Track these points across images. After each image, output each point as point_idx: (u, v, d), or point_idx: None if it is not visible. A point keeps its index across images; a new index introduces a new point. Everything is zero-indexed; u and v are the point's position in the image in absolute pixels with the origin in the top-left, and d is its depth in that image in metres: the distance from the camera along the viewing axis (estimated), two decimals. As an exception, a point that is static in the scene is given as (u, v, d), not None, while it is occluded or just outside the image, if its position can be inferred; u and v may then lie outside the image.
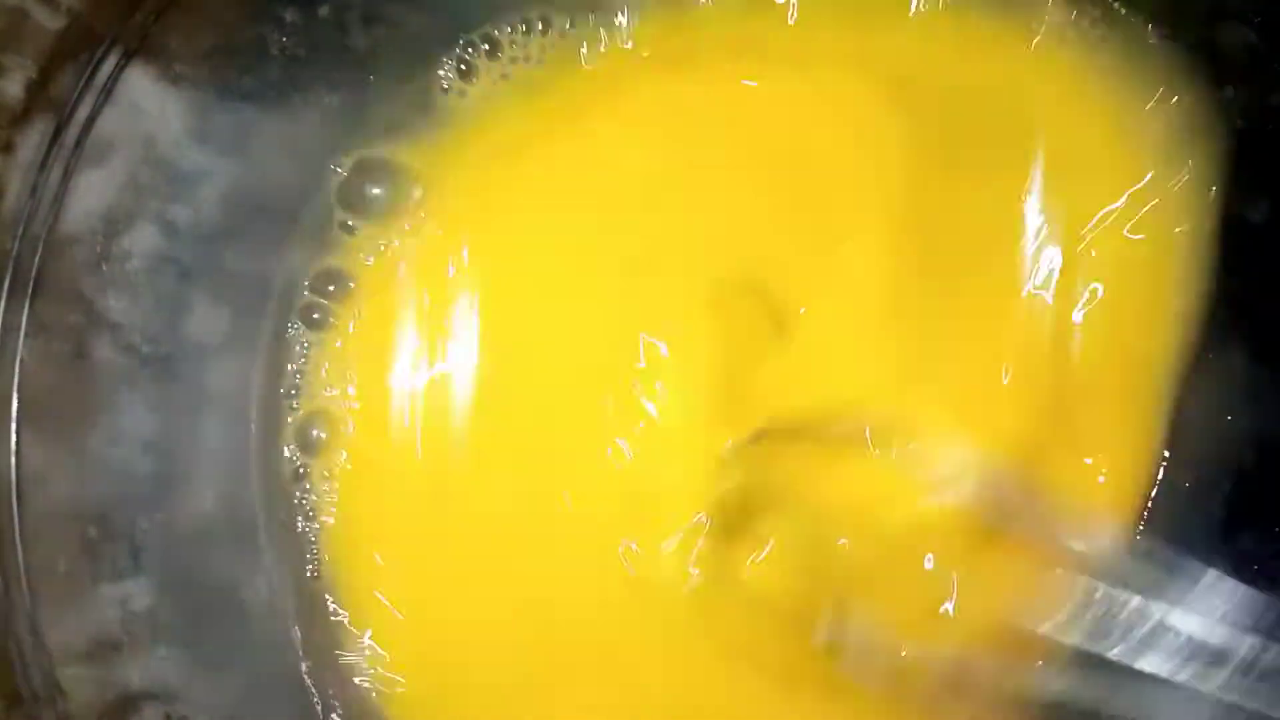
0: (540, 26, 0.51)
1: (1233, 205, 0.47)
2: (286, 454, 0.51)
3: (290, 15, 0.46)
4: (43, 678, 0.39)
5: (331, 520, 0.51)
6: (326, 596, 0.51)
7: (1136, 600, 0.42)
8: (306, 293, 0.52)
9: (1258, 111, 0.46)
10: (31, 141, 0.39)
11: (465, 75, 0.51)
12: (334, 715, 0.50)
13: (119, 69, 0.41)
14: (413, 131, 0.51)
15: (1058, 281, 0.48)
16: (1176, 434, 0.50)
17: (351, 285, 0.52)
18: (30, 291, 0.40)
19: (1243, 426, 0.48)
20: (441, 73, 0.51)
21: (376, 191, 0.51)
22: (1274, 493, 0.47)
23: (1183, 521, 0.49)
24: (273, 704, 0.50)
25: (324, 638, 0.51)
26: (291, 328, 0.52)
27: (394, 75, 0.51)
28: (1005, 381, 0.48)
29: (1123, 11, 0.48)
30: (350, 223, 0.51)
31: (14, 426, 0.40)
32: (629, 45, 0.51)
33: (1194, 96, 0.47)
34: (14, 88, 0.38)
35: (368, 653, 0.50)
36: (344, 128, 0.51)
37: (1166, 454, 0.50)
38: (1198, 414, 0.50)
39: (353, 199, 0.51)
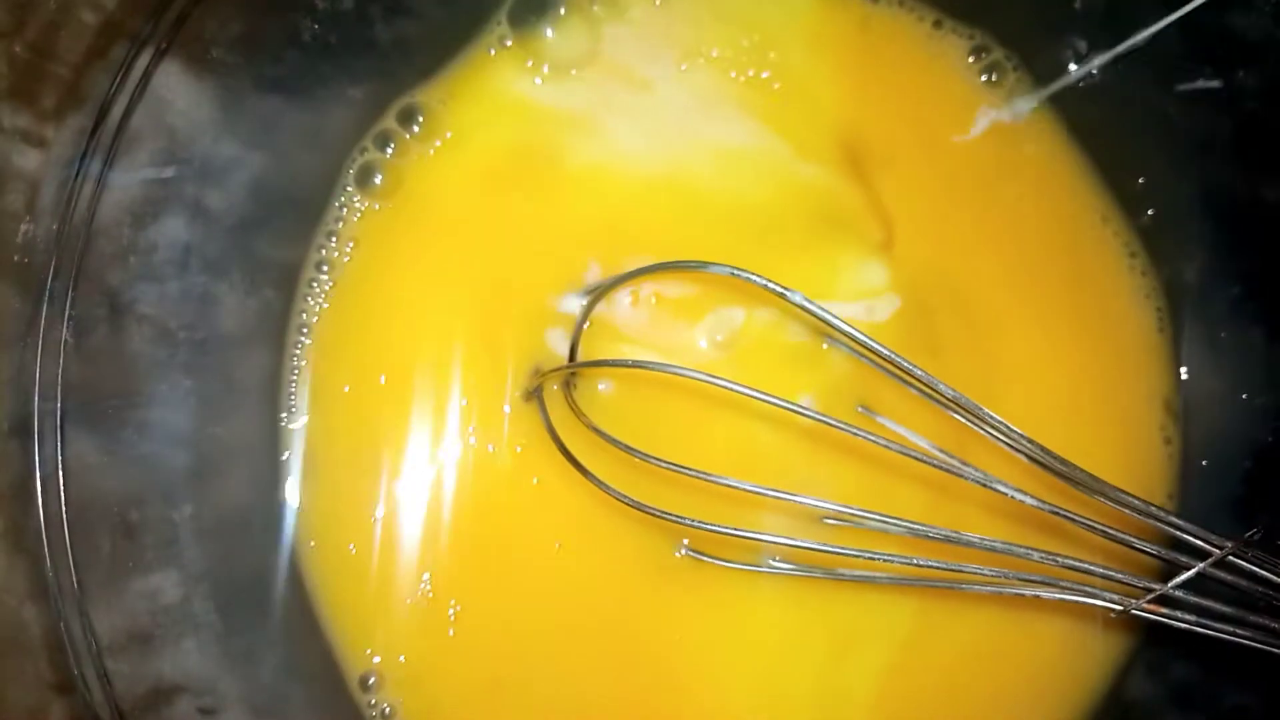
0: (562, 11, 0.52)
1: (1250, 183, 0.47)
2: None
3: (322, 2, 0.47)
4: (93, 665, 0.39)
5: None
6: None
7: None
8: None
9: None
10: (66, 138, 0.39)
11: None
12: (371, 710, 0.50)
13: (152, 65, 0.41)
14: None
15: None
16: (1191, 412, 0.50)
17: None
18: (70, 286, 0.40)
19: (1260, 404, 0.48)
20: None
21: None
22: (1295, 469, 0.47)
23: (1201, 498, 0.50)
24: (302, 697, 0.50)
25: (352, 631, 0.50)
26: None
27: (419, 64, 0.51)
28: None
29: None
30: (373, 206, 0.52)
31: (59, 418, 0.40)
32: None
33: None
34: (50, 84, 0.38)
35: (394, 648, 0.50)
36: (366, 118, 0.51)
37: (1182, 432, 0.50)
38: (1213, 392, 0.50)
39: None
